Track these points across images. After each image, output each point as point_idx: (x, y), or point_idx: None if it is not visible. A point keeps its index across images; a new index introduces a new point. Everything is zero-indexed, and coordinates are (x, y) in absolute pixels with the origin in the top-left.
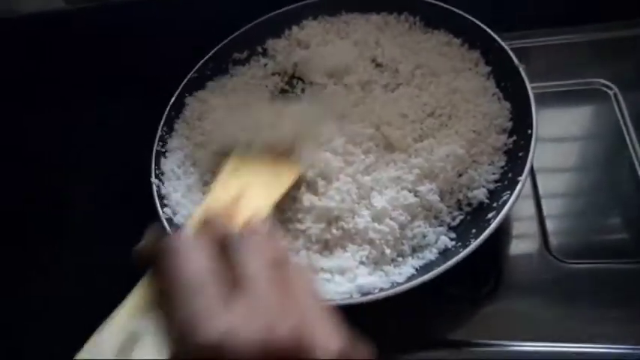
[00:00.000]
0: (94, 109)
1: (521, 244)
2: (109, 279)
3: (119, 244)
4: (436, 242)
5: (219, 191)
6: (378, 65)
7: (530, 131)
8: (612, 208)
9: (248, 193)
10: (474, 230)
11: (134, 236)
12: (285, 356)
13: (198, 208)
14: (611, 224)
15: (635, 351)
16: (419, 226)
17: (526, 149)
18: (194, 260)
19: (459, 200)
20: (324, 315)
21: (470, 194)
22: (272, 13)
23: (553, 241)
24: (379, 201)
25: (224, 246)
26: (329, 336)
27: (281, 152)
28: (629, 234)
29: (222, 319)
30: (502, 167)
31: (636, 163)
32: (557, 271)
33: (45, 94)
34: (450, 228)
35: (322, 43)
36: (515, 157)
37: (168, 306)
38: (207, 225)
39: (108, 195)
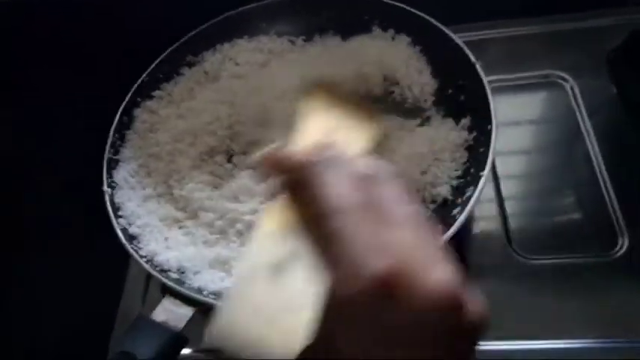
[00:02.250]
0: (43, 110)
1: (486, 243)
2: (60, 292)
3: (70, 252)
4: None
5: (305, 134)
6: None
7: (489, 127)
8: (572, 202)
9: (336, 137)
10: (439, 227)
11: (87, 246)
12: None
13: (298, 135)
14: (572, 219)
15: (598, 344)
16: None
17: (486, 145)
18: (344, 184)
19: (423, 198)
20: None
21: (434, 191)
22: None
23: (515, 236)
24: None
25: (363, 180)
26: (476, 295)
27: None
28: (589, 228)
29: (400, 250)
30: (464, 163)
31: (592, 153)
32: (521, 268)
33: None
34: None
35: None
36: (477, 152)
37: (322, 230)
38: (339, 155)
39: (60, 203)
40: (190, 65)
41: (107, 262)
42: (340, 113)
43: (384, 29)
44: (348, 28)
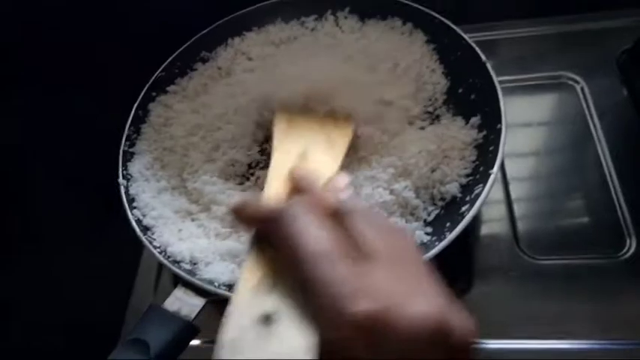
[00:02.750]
0: (57, 102)
1: (494, 243)
2: (73, 282)
3: (83, 242)
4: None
5: (280, 156)
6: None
7: (499, 126)
8: (580, 203)
9: (310, 155)
10: (448, 224)
11: (99, 237)
12: (445, 336)
13: (270, 174)
14: (580, 221)
15: (605, 346)
16: (395, 223)
17: (496, 144)
18: (315, 227)
19: (432, 195)
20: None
21: (443, 189)
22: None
23: (523, 236)
24: None
25: (335, 214)
26: (462, 313)
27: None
28: (597, 230)
29: (376, 289)
30: (473, 162)
31: (601, 155)
32: (528, 268)
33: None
34: (426, 223)
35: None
36: (486, 151)
37: (302, 276)
38: (309, 193)
39: (73, 194)
40: (204, 61)
41: (119, 253)
42: (309, 129)
43: (403, 22)
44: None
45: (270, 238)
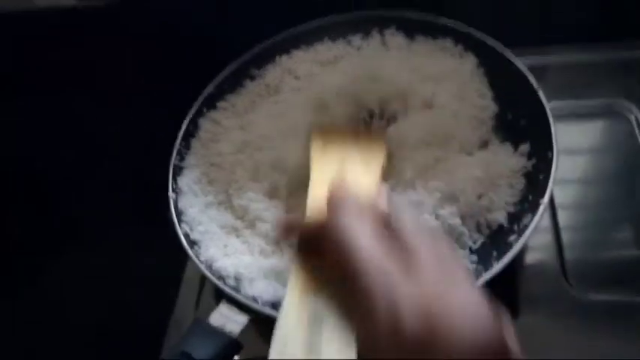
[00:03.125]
0: (103, 115)
1: (540, 274)
2: (117, 289)
3: (131, 257)
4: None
5: (318, 173)
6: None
7: (550, 154)
8: (631, 236)
9: (347, 172)
10: (495, 253)
11: (147, 250)
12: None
13: (310, 193)
14: (631, 253)
15: None
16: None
17: (546, 172)
18: (366, 237)
19: (478, 223)
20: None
21: (490, 216)
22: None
23: (570, 268)
24: None
25: (384, 224)
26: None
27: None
28: None
29: (428, 302)
30: (521, 190)
31: None
32: (574, 303)
33: (49, 95)
34: (472, 251)
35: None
36: (535, 179)
37: (350, 289)
38: (356, 205)
39: (120, 207)
40: (252, 78)
41: (163, 265)
42: (345, 148)
43: (455, 44)
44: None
45: (316, 249)
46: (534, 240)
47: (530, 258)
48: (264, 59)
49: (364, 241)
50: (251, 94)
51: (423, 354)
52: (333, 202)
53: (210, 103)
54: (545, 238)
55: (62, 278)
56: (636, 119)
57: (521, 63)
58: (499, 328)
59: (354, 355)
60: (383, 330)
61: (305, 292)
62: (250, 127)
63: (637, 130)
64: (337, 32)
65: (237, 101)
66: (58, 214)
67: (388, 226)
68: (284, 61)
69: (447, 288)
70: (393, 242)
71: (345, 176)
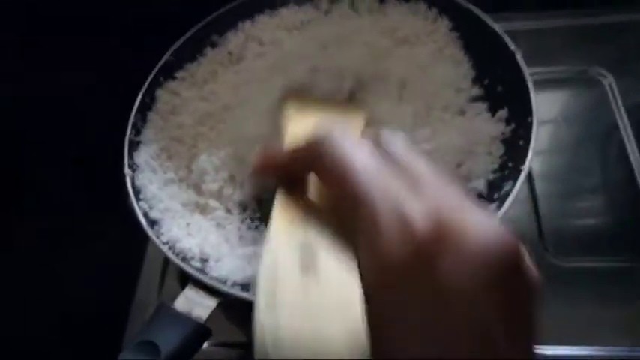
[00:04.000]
0: (60, 87)
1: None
2: (74, 277)
3: (84, 237)
4: None
5: (292, 131)
6: None
7: (530, 119)
8: (607, 202)
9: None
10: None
11: (101, 231)
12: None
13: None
14: (608, 221)
15: (632, 353)
16: None
17: (526, 138)
18: (364, 158)
19: None
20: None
21: (469, 186)
22: None
23: (549, 236)
24: None
25: (379, 145)
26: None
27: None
28: (625, 231)
29: (437, 205)
30: (500, 157)
31: (629, 152)
32: (554, 270)
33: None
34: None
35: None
36: (515, 146)
37: (350, 197)
38: (347, 131)
39: (73, 183)
40: (214, 46)
41: (122, 248)
42: (321, 114)
43: (428, 7)
44: None
45: (301, 177)
46: (513, 209)
47: (508, 227)
48: (226, 25)
49: (363, 161)
50: (212, 63)
51: (435, 259)
52: (321, 131)
53: (168, 73)
54: (522, 207)
55: (16, 261)
56: (610, 85)
57: (498, 26)
58: (514, 241)
59: (355, 271)
60: (392, 247)
61: (292, 222)
62: (212, 98)
63: (611, 96)
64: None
65: (197, 70)
66: (7, 197)
67: (384, 152)
68: (247, 27)
69: (458, 204)
70: (393, 165)
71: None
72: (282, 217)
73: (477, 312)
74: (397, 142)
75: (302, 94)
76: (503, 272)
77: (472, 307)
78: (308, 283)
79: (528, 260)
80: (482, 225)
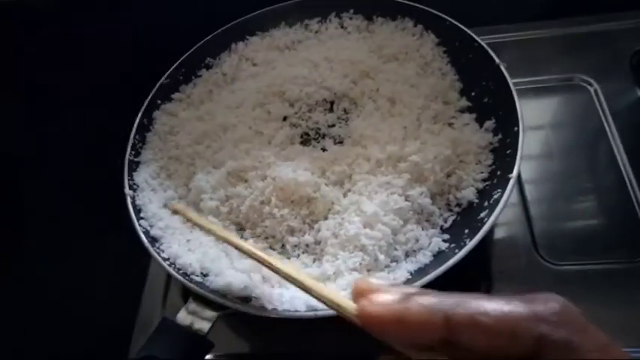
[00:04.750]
0: (62, 111)
1: (511, 248)
2: (78, 295)
3: (88, 256)
4: (429, 245)
5: None
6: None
7: (516, 128)
8: (597, 205)
9: None
10: (467, 231)
11: (105, 249)
12: None
13: None
14: (599, 224)
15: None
16: (411, 230)
17: (513, 147)
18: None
19: (448, 201)
20: None
21: (459, 194)
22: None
23: (541, 242)
24: (369, 206)
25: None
26: None
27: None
28: (617, 233)
29: None
30: (489, 166)
31: (617, 156)
32: (546, 273)
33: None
34: (443, 230)
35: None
36: (503, 154)
37: None
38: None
39: (77, 204)
40: (208, 67)
41: (126, 265)
42: None
43: (414, 24)
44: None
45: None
46: (503, 214)
47: (501, 232)
48: (219, 47)
49: None
50: (207, 84)
51: None
52: None
53: (165, 95)
54: (514, 212)
55: (23, 280)
56: (595, 92)
57: (482, 40)
58: None
59: None
60: None
61: None
62: (207, 117)
63: (596, 102)
64: (294, 17)
65: (192, 92)
66: (12, 217)
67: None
68: (240, 48)
69: None
70: None
71: None
72: None
73: None
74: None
75: None
76: None
77: None
78: None
79: None
80: None
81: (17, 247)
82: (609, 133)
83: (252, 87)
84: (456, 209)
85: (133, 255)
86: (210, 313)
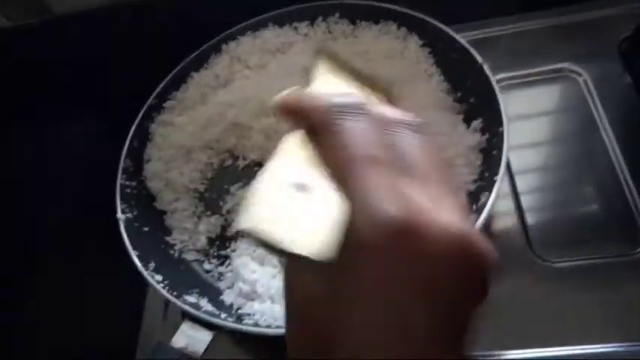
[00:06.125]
0: (53, 133)
1: (504, 246)
2: (79, 317)
3: (88, 278)
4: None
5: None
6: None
7: (501, 129)
8: (590, 196)
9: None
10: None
11: (105, 272)
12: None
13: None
14: (592, 215)
15: (623, 348)
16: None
17: (499, 147)
18: (364, 131)
19: None
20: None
21: None
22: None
23: (535, 238)
24: None
25: (387, 124)
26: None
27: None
28: (610, 224)
29: (411, 199)
30: (478, 166)
31: (609, 145)
32: (542, 272)
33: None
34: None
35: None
36: (490, 155)
37: (340, 175)
38: (357, 100)
39: (77, 228)
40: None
41: (126, 288)
42: (351, 77)
43: (397, 26)
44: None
45: (315, 132)
46: (497, 209)
47: (494, 228)
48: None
49: (360, 135)
50: (200, 86)
51: (400, 245)
52: (348, 97)
53: (157, 112)
54: (507, 207)
55: (19, 310)
56: (585, 82)
57: (464, 40)
58: (478, 251)
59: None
60: (361, 218)
61: (295, 156)
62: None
63: (586, 92)
64: (283, 18)
65: (185, 96)
66: (11, 243)
67: (392, 131)
68: (231, 48)
69: (437, 200)
70: (391, 145)
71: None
72: (286, 151)
73: (407, 313)
74: (410, 131)
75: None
76: (453, 282)
77: (402, 306)
78: (299, 197)
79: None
80: (448, 229)
81: (13, 271)
82: (599, 122)
83: (246, 87)
84: None
85: (132, 278)
86: (206, 334)
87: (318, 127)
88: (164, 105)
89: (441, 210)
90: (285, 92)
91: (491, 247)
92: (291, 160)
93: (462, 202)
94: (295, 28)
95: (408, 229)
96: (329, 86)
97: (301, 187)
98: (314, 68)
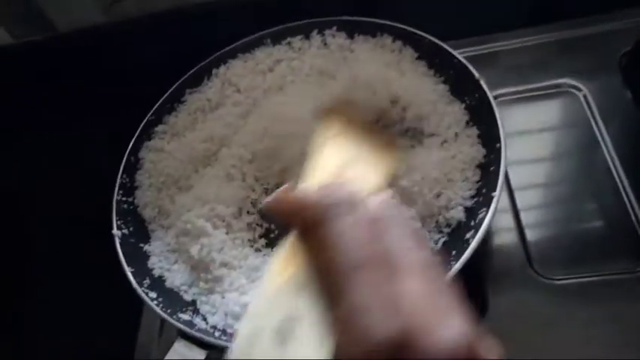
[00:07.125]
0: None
1: (504, 263)
2: (74, 334)
3: (83, 296)
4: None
5: (320, 167)
6: None
7: (498, 145)
8: (593, 214)
9: (352, 169)
10: (454, 252)
11: (100, 288)
12: None
13: (312, 173)
14: (594, 231)
15: None
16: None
17: (497, 163)
18: (353, 234)
19: (438, 222)
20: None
21: (448, 215)
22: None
23: (535, 255)
24: None
25: (375, 223)
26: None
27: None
28: (613, 241)
29: (405, 309)
30: (476, 182)
31: (609, 160)
32: (543, 290)
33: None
34: (433, 252)
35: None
36: (488, 171)
37: (332, 284)
38: (346, 198)
39: (72, 245)
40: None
41: (122, 305)
42: (357, 140)
43: (393, 40)
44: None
45: (306, 233)
46: (496, 225)
47: (493, 244)
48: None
49: (350, 239)
50: (191, 111)
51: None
52: (329, 191)
53: (151, 132)
54: (507, 223)
55: (16, 327)
56: (585, 97)
57: (460, 55)
58: (473, 338)
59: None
60: (353, 337)
61: (288, 280)
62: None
63: (586, 107)
64: (277, 36)
65: (176, 121)
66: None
67: (378, 229)
68: (222, 72)
69: (426, 293)
70: (378, 245)
71: (349, 170)
72: (277, 277)
73: None
74: (395, 227)
75: (343, 111)
76: None
77: None
78: (278, 350)
79: None
80: (446, 344)
81: (9, 288)
82: (600, 137)
83: (236, 112)
84: (446, 230)
85: (128, 295)
86: (199, 353)
87: (308, 229)
88: (156, 129)
89: (437, 316)
90: (274, 193)
91: (493, 346)
92: (277, 290)
93: (456, 297)
94: (289, 44)
95: (405, 348)
96: (333, 155)
97: (283, 331)
98: (321, 133)
